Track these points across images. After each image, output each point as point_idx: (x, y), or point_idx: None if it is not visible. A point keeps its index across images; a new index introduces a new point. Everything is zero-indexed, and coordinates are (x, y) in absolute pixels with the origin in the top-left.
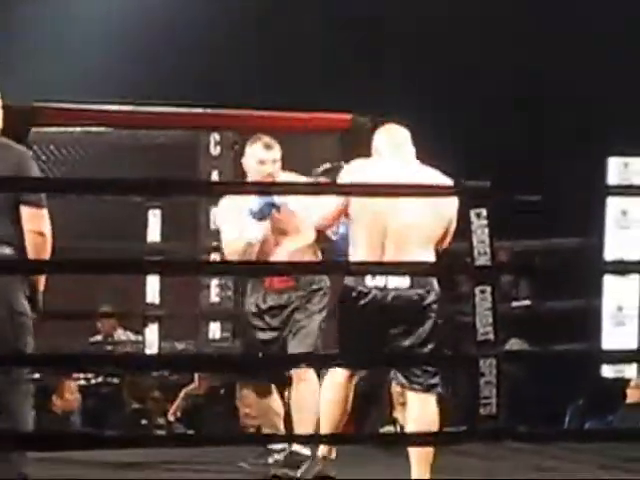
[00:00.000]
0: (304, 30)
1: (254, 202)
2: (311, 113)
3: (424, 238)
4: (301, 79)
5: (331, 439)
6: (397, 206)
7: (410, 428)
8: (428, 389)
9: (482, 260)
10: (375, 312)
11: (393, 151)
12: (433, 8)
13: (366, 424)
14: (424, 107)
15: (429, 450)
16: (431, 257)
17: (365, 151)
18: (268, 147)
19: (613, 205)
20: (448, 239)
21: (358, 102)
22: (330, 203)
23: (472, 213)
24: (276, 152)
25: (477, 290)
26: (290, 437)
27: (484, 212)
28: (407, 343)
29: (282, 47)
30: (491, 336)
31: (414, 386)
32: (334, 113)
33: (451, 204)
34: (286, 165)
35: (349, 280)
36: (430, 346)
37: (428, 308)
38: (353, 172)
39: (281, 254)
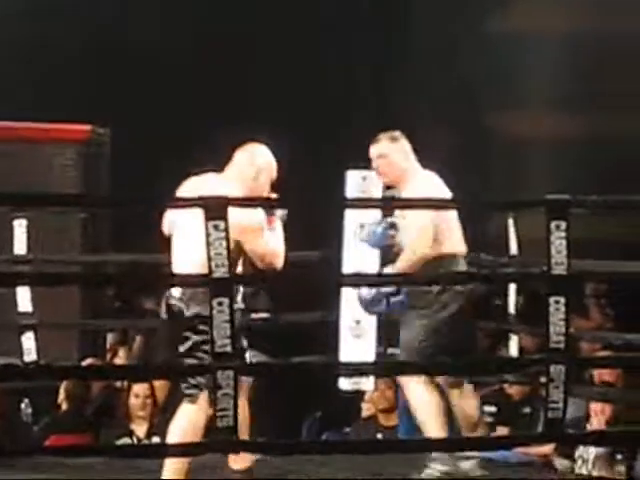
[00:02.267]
0: (47, 39)
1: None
2: (49, 124)
3: None
4: (39, 89)
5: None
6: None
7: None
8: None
9: (220, 272)
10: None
11: (236, 168)
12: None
13: (101, 436)
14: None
15: None
16: None
17: (103, 162)
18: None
19: (351, 218)
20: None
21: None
22: None
23: (209, 225)
24: (380, 147)
25: (214, 302)
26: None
27: (222, 224)
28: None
29: (21, 56)
30: (229, 348)
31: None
32: (73, 124)
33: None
34: (23, 176)
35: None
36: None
37: (188, 319)
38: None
39: None
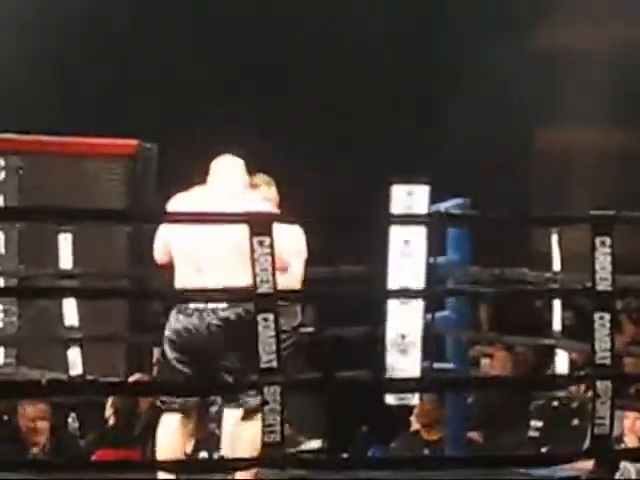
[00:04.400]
0: (90, 55)
1: None
2: (97, 138)
3: (238, 264)
4: (88, 104)
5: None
6: (211, 236)
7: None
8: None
9: (264, 288)
10: (198, 333)
11: (225, 180)
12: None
13: (151, 451)
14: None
15: None
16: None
17: (151, 177)
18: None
19: (396, 233)
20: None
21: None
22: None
23: (255, 241)
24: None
25: (260, 317)
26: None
27: (267, 240)
28: (227, 363)
29: (69, 71)
30: (274, 363)
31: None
32: (120, 139)
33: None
34: (70, 191)
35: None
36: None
37: (245, 327)
38: (181, 203)
39: None
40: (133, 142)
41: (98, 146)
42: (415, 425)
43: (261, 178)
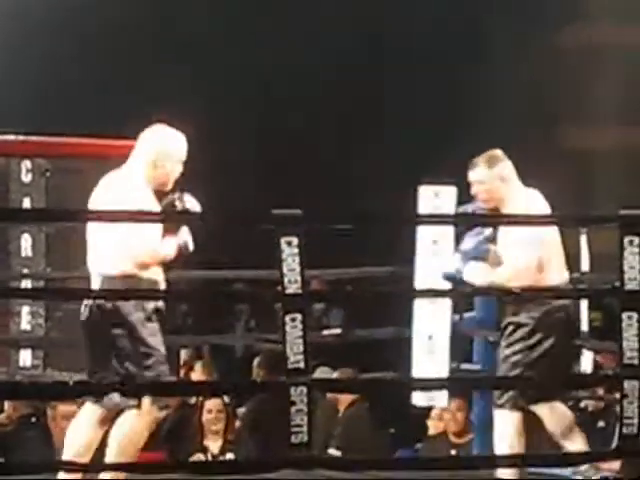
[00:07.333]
0: (115, 57)
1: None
2: (121, 140)
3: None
4: (109, 106)
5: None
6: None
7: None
8: None
9: (292, 288)
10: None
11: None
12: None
13: (177, 453)
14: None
15: None
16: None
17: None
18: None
19: (423, 234)
20: None
21: None
22: None
23: (282, 241)
24: (477, 174)
25: (287, 318)
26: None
27: (295, 240)
28: None
29: (89, 74)
30: (302, 364)
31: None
32: None
33: None
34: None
35: None
36: None
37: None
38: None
39: None
40: None
41: (125, 148)
42: (436, 429)
43: (483, 157)
